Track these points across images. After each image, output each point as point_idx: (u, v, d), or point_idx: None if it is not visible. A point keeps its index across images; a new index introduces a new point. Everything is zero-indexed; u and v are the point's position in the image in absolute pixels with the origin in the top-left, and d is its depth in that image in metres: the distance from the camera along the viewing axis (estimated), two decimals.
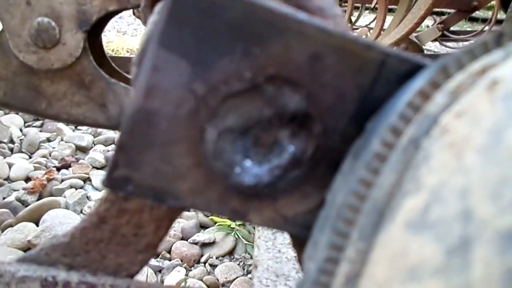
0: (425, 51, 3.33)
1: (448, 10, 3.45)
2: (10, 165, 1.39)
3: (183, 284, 0.91)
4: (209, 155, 0.21)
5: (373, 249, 0.15)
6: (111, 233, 0.29)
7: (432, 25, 3.53)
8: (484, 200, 0.11)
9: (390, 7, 2.65)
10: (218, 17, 0.18)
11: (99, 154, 1.47)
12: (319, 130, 0.21)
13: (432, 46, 4.08)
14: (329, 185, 0.21)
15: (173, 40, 0.19)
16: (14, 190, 1.28)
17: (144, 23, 0.29)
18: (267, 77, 0.20)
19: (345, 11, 3.40)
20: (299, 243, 0.29)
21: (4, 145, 1.56)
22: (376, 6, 2.86)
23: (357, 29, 4.82)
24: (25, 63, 0.52)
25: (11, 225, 1.10)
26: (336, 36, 0.19)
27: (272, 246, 0.73)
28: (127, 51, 3.11)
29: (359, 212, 0.16)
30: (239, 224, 1.11)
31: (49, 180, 1.29)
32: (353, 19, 4.11)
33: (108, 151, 1.50)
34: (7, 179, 1.36)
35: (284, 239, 0.76)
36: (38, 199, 1.22)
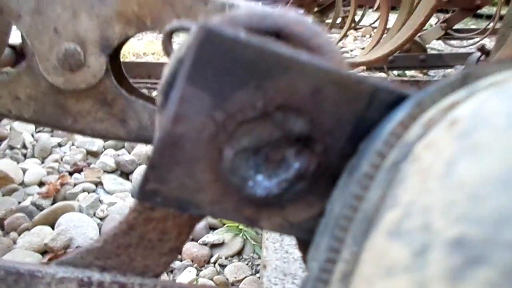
0: (429, 50, 3.35)
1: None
2: (24, 170, 1.44)
3: (195, 283, 0.95)
4: (226, 171, 0.25)
5: (363, 252, 0.19)
6: (139, 239, 0.33)
7: (435, 24, 3.55)
8: (439, 216, 0.14)
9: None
10: (235, 58, 0.22)
11: (109, 159, 1.51)
12: (320, 149, 0.25)
13: (436, 45, 4.09)
14: (329, 196, 0.24)
15: (197, 77, 0.22)
16: (29, 195, 1.32)
17: (165, 51, 0.33)
18: (276, 106, 0.24)
19: (349, 10, 3.42)
20: (304, 245, 0.33)
21: (17, 150, 1.61)
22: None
23: (361, 28, 4.83)
24: (53, 84, 0.56)
25: (27, 229, 1.14)
26: (333, 72, 0.23)
27: (279, 247, 0.77)
28: (134, 55, 3.16)
29: (352, 221, 0.20)
30: (247, 226, 1.15)
31: (62, 184, 1.33)
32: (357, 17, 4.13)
33: (118, 155, 1.54)
34: (22, 183, 1.41)
35: (291, 240, 0.79)
36: (52, 203, 1.26)
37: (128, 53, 3.08)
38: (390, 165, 0.19)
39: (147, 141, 0.59)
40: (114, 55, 0.59)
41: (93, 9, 0.55)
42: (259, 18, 0.27)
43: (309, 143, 0.25)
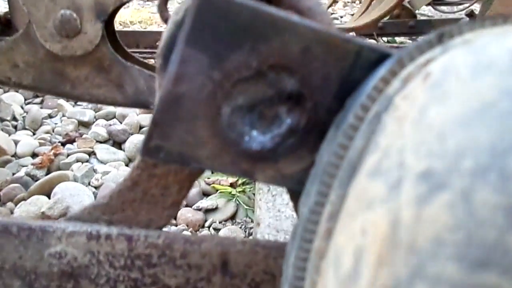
0: (419, 16, 3.33)
1: None
2: (16, 142, 1.44)
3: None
4: (224, 127, 0.27)
5: (347, 194, 0.21)
6: (142, 194, 0.35)
7: None
8: (411, 154, 0.16)
9: None
10: (231, 21, 0.24)
11: (101, 129, 1.51)
12: (310, 106, 0.27)
13: (426, 10, 4.07)
14: (318, 149, 0.27)
15: (196, 39, 0.24)
16: (22, 166, 1.34)
17: (161, 17, 0.34)
18: (269, 65, 0.26)
19: None
20: (295, 196, 0.36)
21: (7, 122, 1.60)
22: None
23: None
24: (50, 51, 0.57)
25: (23, 199, 1.16)
26: (321, 32, 0.25)
27: (272, 207, 0.81)
28: (120, 24, 3.10)
29: (339, 168, 0.22)
30: (240, 191, 1.18)
31: (56, 155, 1.34)
32: None
33: (110, 125, 1.54)
34: (14, 155, 1.41)
35: (282, 200, 0.83)
36: (46, 174, 1.27)
37: (115, 22, 3.02)
38: (372, 116, 0.21)
39: (143, 105, 0.61)
40: (109, 21, 0.60)
41: None
42: None
43: (300, 101, 0.27)
